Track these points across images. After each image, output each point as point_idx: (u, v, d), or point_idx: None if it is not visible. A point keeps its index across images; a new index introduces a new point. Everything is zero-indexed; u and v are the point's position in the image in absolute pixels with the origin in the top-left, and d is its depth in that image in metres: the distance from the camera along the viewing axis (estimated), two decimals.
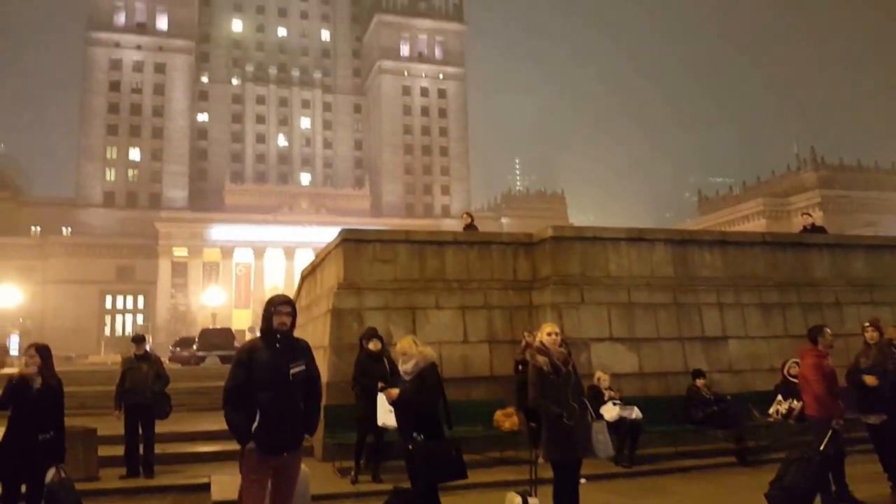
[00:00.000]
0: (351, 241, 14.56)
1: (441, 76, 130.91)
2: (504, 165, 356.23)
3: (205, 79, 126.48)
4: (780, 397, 13.40)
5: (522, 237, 15.92)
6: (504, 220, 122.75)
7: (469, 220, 17.83)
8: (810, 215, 20.62)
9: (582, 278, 14.65)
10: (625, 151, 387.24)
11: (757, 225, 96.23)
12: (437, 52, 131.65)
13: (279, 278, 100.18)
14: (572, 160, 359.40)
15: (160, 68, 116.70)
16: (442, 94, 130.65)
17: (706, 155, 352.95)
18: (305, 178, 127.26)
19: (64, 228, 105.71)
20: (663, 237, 16.11)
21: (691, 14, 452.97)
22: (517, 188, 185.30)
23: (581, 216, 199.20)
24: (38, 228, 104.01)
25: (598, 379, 12.90)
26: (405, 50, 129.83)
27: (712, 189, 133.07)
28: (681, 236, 16.71)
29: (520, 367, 12.76)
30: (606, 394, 12.75)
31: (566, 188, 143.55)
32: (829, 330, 9.86)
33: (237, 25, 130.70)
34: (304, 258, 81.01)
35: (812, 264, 17.05)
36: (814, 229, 18.63)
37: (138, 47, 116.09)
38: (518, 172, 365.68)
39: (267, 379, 6.04)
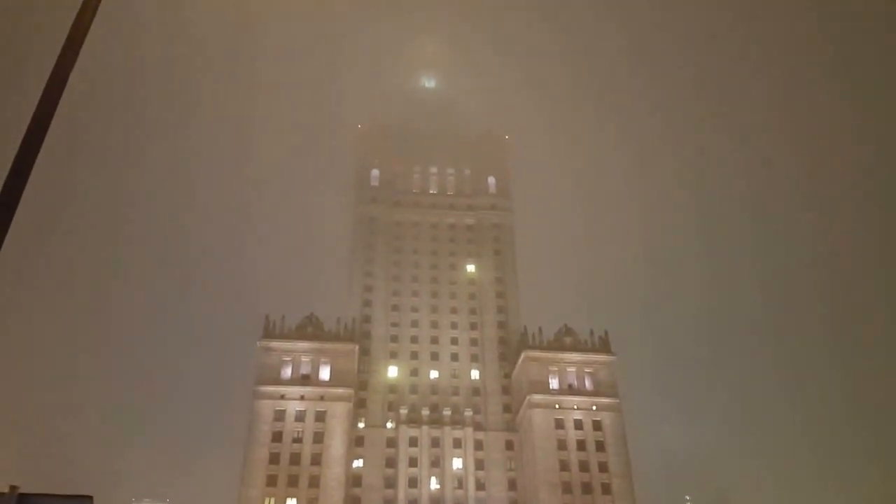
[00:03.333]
0: None
1: (594, 407, 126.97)
2: None
3: (361, 424, 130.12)
4: None
5: None
6: None
7: None
8: None
9: None
10: (815, 461, 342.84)
11: None
12: (588, 384, 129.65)
13: None
14: (751, 489, 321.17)
15: (320, 416, 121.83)
16: (597, 426, 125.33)
17: None
18: None
19: None
20: None
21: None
22: None
23: None
24: None
25: None
26: (554, 383, 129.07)
27: None
28: None
29: None
30: None
31: None
32: None
33: (393, 371, 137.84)
34: None
35: None
36: None
37: (301, 397, 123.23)
38: None
39: None
